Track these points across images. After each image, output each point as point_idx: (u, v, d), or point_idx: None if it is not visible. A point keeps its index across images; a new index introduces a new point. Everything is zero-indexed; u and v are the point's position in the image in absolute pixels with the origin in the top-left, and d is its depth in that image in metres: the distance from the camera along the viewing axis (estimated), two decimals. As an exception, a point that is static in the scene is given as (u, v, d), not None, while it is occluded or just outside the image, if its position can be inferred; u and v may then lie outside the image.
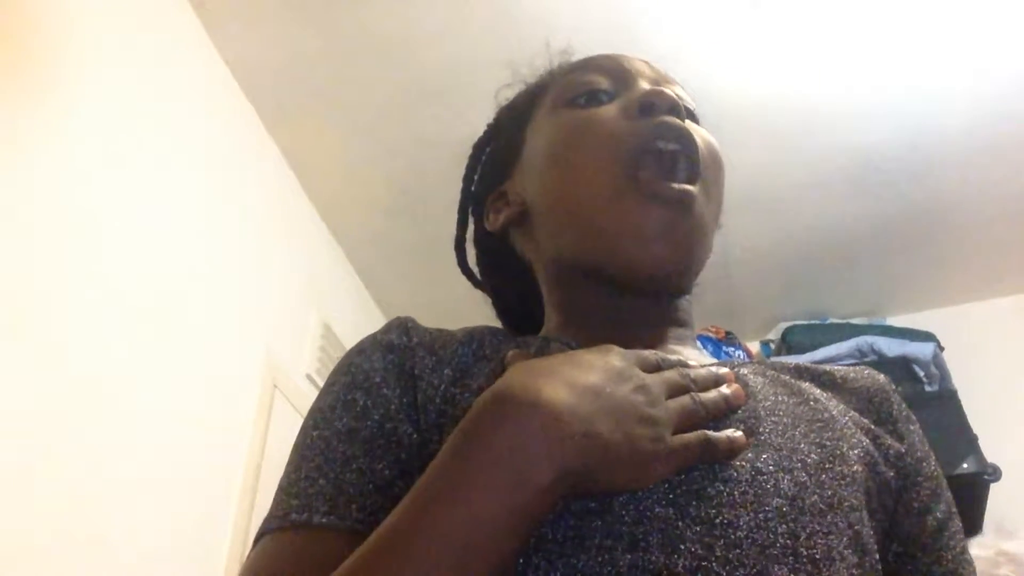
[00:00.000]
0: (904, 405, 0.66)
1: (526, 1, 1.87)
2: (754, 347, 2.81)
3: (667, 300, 0.67)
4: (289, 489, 0.54)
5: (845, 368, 0.68)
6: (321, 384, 2.30)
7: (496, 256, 0.76)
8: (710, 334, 2.54)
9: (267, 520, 0.54)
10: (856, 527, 0.52)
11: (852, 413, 0.62)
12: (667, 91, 0.64)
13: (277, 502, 0.54)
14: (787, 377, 0.64)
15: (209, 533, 1.67)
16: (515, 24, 1.89)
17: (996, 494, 2.21)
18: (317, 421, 0.58)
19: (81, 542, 1.30)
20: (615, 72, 0.69)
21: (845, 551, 0.50)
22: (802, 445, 0.55)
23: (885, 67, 2.05)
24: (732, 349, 2.56)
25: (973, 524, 2.23)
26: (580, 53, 0.78)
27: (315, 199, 2.38)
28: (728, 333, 2.60)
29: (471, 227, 0.80)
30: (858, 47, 2.00)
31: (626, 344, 0.64)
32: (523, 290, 0.74)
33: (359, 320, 2.59)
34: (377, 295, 2.73)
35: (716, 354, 2.40)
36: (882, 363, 2.43)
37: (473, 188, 0.79)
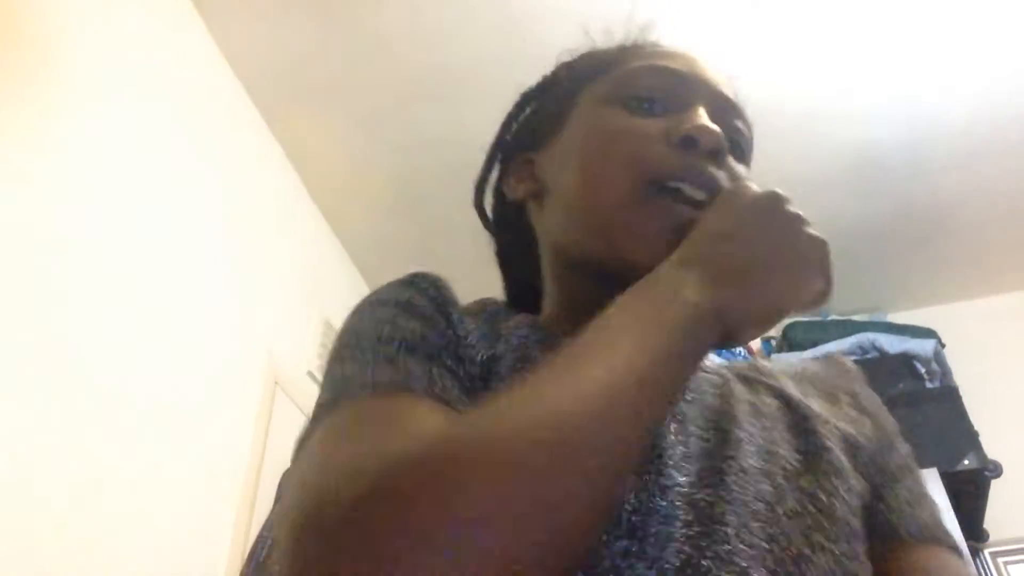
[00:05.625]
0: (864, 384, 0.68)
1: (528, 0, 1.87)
2: (755, 344, 2.81)
3: None
4: (362, 372, 0.52)
5: (809, 361, 0.70)
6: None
7: (510, 220, 0.75)
8: (711, 331, 2.53)
9: (330, 401, 0.51)
10: (844, 518, 0.53)
11: (824, 405, 0.63)
12: (715, 130, 0.61)
13: (345, 382, 0.52)
14: (765, 379, 0.65)
15: (210, 530, 1.67)
16: (518, 23, 1.89)
17: (997, 490, 2.21)
18: (377, 327, 0.56)
19: (81, 542, 1.30)
20: (678, 84, 0.66)
21: (828, 544, 0.51)
22: (781, 450, 0.56)
23: (885, 66, 2.05)
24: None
25: (974, 520, 2.23)
26: (575, 52, 0.77)
27: (317, 196, 2.38)
28: (729, 330, 2.60)
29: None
30: (859, 46, 2.00)
31: None
32: (528, 261, 0.74)
33: (360, 317, 2.59)
34: (378, 292, 2.73)
35: (716, 351, 2.39)
36: (883, 359, 2.43)
37: (509, 136, 0.77)
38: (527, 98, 0.78)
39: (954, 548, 0.58)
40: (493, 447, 0.39)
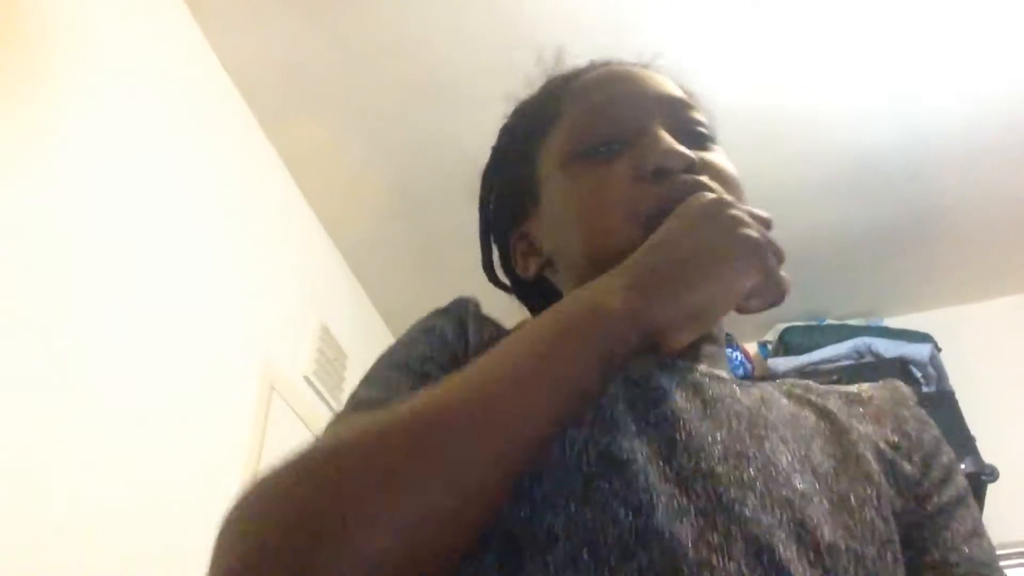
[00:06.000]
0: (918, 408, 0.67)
1: (525, 4, 1.87)
2: (751, 348, 2.81)
3: None
4: (362, 390, 0.58)
5: (869, 385, 0.69)
6: (319, 387, 2.27)
7: (534, 288, 0.77)
8: (708, 335, 2.53)
9: (335, 416, 0.57)
10: (873, 522, 0.53)
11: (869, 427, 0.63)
12: (679, 153, 0.63)
13: (350, 399, 0.58)
14: (811, 397, 0.66)
15: (206, 534, 1.66)
16: (513, 27, 1.89)
17: (994, 495, 2.21)
18: (395, 351, 0.62)
19: (79, 543, 1.30)
20: (626, 113, 0.67)
21: (852, 544, 0.51)
22: (815, 455, 0.57)
23: (884, 68, 2.05)
24: (729, 351, 2.56)
25: (971, 525, 2.23)
26: (575, 57, 0.77)
27: (313, 202, 2.38)
28: (726, 335, 2.60)
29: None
30: (858, 48, 2.00)
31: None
32: None
33: (357, 322, 2.59)
34: (375, 297, 2.73)
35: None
36: (879, 364, 2.44)
37: (490, 218, 0.78)
38: (487, 177, 0.79)
39: None
40: (347, 451, 0.45)
